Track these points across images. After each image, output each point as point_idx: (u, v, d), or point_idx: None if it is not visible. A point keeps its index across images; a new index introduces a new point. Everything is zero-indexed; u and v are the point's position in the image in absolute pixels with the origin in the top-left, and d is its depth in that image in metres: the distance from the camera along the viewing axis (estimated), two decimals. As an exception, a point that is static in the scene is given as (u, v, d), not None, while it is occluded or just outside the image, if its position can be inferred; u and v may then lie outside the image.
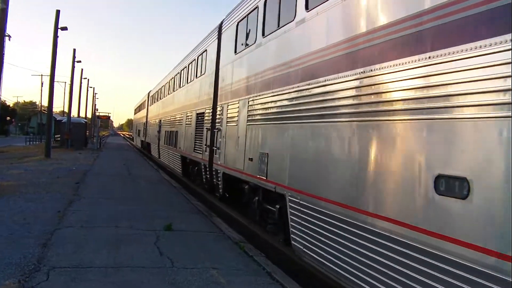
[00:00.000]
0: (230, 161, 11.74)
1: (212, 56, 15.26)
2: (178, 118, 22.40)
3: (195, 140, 17.13)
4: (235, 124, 11.45)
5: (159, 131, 29.99)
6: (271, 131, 9.02)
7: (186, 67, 21.62)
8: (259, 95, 9.84)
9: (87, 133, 53.21)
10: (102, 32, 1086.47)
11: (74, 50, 46.77)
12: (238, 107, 11.36)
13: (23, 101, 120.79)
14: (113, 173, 21.42)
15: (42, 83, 73.99)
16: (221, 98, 13.41)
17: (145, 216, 11.02)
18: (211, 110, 14.45)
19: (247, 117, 10.51)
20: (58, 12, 30.76)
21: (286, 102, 8.37)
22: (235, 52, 12.17)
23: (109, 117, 70.97)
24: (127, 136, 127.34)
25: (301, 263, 8.38)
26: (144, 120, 44.99)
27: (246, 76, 10.95)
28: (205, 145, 14.89)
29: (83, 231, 9.04)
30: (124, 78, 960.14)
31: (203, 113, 15.91)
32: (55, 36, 30.20)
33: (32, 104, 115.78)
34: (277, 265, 7.76)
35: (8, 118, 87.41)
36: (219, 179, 13.17)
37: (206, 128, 14.95)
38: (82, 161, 27.06)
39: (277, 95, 8.74)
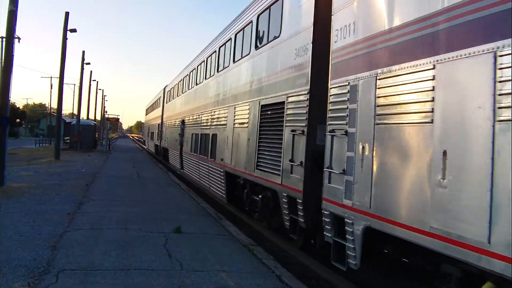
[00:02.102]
0: (401, 209, 5.48)
1: (302, 1, 8.99)
2: (217, 116, 15.58)
3: (258, 150, 10.63)
4: (424, 119, 5.14)
5: (181, 134, 23.88)
6: None
7: (230, 40, 14.70)
8: None
9: (96, 135, 53.47)
10: (112, 34, 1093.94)
11: (83, 52, 47.18)
12: (431, 77, 5.06)
13: (32, 103, 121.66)
14: (122, 175, 21.46)
15: (51, 85, 74.38)
16: (344, 68, 7.07)
17: (154, 218, 11.00)
18: (305, 97, 8.38)
19: None
20: (67, 14, 30.98)
21: None
22: None
23: (118, 119, 71.44)
24: (136, 138, 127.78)
25: (311, 267, 8.34)
26: (159, 121, 37.91)
27: None
28: (291, 161, 8.72)
29: (93, 233, 9.05)
30: (133, 79, 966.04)
31: (281, 103, 9.45)
32: (64, 38, 30.42)
33: (41, 106, 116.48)
34: (286, 268, 7.70)
35: (18, 120, 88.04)
36: (351, 237, 6.53)
37: (292, 130, 8.75)
38: (92, 164, 27.14)
39: None
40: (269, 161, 9.98)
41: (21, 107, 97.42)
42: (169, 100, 32.43)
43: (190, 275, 6.80)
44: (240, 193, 12.90)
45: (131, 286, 6.18)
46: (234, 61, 14.01)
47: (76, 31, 31.62)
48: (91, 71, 62.70)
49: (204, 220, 11.43)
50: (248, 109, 11.84)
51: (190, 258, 7.68)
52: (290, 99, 9.07)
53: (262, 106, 10.75)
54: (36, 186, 15.19)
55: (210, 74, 17.62)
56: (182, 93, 25.53)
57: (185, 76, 24.84)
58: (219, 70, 16.06)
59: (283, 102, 9.41)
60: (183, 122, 23.63)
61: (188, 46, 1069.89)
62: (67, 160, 28.54)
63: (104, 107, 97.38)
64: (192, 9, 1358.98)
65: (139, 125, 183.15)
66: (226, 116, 14.15)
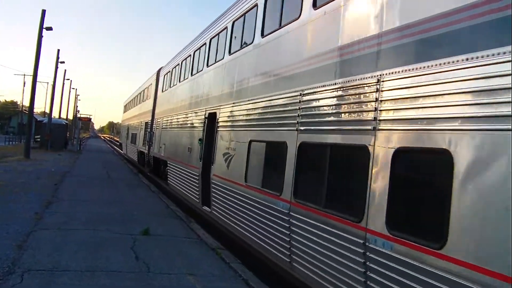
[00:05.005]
0: None
1: None
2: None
3: None
4: None
5: (203, 140, 13.16)
6: None
7: None
8: None
9: (68, 135, 52.63)
10: (86, 34, 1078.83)
11: (58, 50, 46.27)
12: None
13: (4, 100, 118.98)
14: (92, 175, 21.23)
15: (24, 83, 72.76)
16: None
17: (123, 219, 10.98)
18: None
19: None
20: (43, 11, 30.50)
21: None
22: None
23: (90, 119, 70.39)
24: (108, 138, 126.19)
25: (277, 271, 8.44)
26: (147, 118, 27.09)
27: None
28: None
29: (60, 233, 8.99)
30: (106, 80, 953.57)
31: None
32: (40, 36, 29.91)
33: (13, 103, 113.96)
34: (254, 272, 7.81)
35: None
36: None
37: None
38: (62, 163, 26.74)
39: None
40: None
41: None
42: (170, 87, 21.41)
43: (157, 278, 6.85)
44: None
45: None
46: None
47: (52, 29, 31.08)
48: (65, 70, 61.89)
49: (173, 223, 11.45)
50: None
51: (158, 261, 7.72)
52: None
53: None
54: (4, 184, 14.92)
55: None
56: (207, 66, 14.03)
57: (220, 32, 12.88)
58: None
59: None
60: (210, 118, 12.82)
61: (165, 50, 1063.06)
62: (37, 159, 28.03)
63: (77, 106, 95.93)
64: (166, 5, 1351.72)
65: (111, 126, 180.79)
66: None
